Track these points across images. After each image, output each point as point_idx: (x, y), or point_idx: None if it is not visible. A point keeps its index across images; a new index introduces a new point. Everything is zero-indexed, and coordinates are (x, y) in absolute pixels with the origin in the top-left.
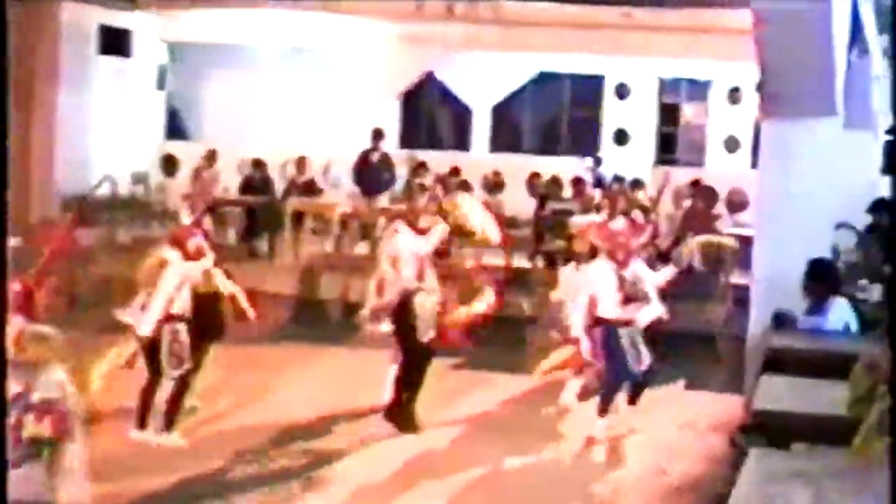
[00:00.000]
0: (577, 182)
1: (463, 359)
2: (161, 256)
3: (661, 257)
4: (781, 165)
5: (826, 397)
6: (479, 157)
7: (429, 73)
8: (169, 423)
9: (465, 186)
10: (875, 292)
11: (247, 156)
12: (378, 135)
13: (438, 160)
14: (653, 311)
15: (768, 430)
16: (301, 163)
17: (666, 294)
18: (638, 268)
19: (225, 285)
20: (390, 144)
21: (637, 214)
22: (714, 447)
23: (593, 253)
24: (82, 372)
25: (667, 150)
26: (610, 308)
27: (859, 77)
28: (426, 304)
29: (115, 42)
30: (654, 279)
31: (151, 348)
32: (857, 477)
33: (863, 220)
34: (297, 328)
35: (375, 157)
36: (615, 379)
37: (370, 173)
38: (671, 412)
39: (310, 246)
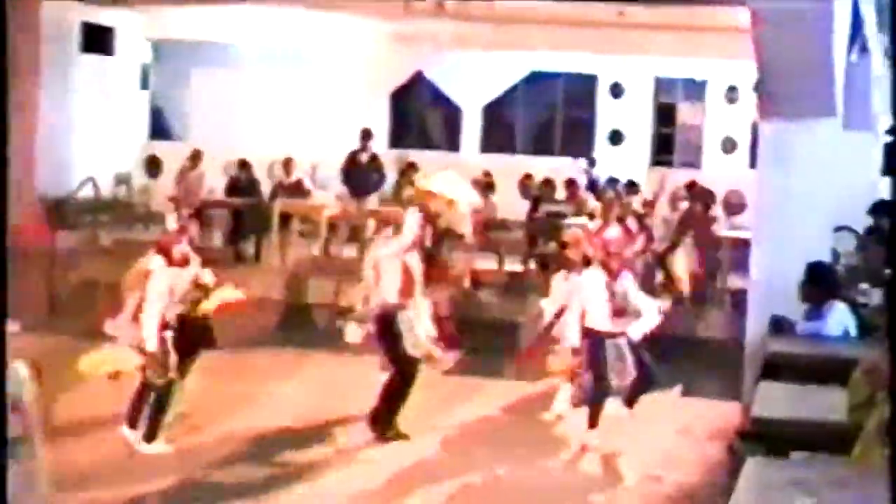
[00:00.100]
0: (571, 184)
1: (454, 365)
2: (146, 265)
3: (657, 261)
4: (780, 167)
5: (825, 404)
6: (469, 158)
7: (418, 72)
8: (152, 432)
9: None
10: (875, 296)
11: (232, 156)
12: (367, 135)
13: (428, 161)
14: (645, 324)
15: (766, 437)
16: (288, 163)
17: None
18: (627, 282)
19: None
20: (379, 145)
21: (631, 223)
22: (711, 455)
23: (587, 261)
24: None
25: (662, 151)
26: (599, 319)
27: (859, 76)
28: (413, 322)
29: (97, 40)
30: (644, 303)
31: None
32: (858, 486)
33: (863, 222)
34: (284, 333)
35: (364, 157)
36: (596, 392)
37: (359, 174)
38: (667, 419)
39: (297, 249)
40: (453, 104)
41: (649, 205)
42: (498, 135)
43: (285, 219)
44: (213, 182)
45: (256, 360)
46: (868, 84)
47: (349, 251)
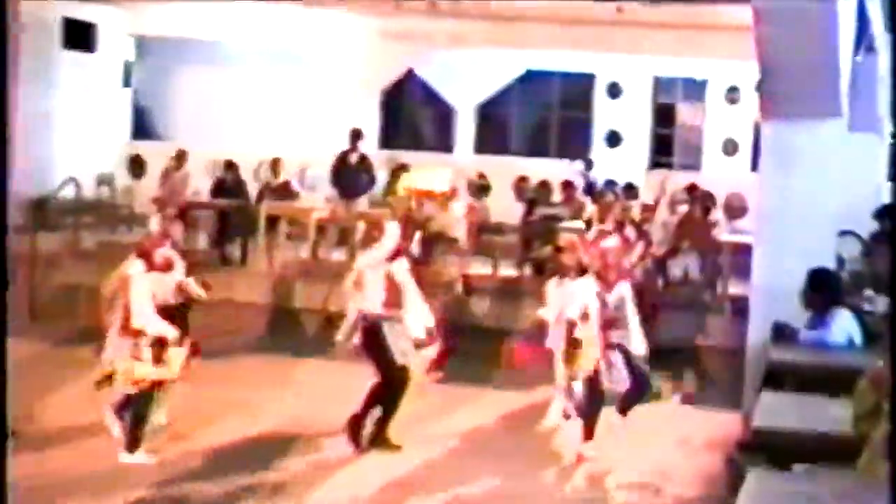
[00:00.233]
0: (567, 186)
1: (447, 374)
2: (125, 270)
3: (657, 266)
4: (782, 169)
5: (829, 414)
6: (463, 160)
7: (410, 70)
8: (133, 442)
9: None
10: (881, 303)
11: (218, 157)
12: (357, 135)
13: (420, 162)
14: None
15: (768, 448)
16: (276, 164)
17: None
18: (625, 292)
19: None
20: (370, 145)
21: (630, 231)
22: (710, 466)
23: (582, 269)
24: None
25: (661, 152)
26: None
27: (865, 76)
28: (399, 334)
29: (78, 36)
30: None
31: None
32: (863, 499)
33: (868, 226)
34: (270, 339)
35: (354, 158)
36: (590, 403)
37: (348, 175)
38: (666, 429)
39: (285, 252)
40: (446, 104)
41: (649, 209)
42: (492, 135)
43: (272, 221)
44: (199, 183)
45: (242, 366)
46: (874, 85)
47: (338, 254)
